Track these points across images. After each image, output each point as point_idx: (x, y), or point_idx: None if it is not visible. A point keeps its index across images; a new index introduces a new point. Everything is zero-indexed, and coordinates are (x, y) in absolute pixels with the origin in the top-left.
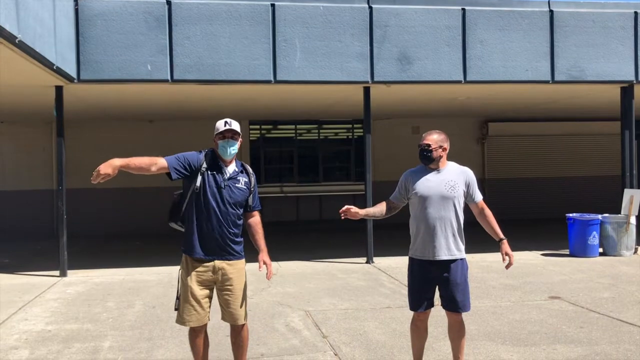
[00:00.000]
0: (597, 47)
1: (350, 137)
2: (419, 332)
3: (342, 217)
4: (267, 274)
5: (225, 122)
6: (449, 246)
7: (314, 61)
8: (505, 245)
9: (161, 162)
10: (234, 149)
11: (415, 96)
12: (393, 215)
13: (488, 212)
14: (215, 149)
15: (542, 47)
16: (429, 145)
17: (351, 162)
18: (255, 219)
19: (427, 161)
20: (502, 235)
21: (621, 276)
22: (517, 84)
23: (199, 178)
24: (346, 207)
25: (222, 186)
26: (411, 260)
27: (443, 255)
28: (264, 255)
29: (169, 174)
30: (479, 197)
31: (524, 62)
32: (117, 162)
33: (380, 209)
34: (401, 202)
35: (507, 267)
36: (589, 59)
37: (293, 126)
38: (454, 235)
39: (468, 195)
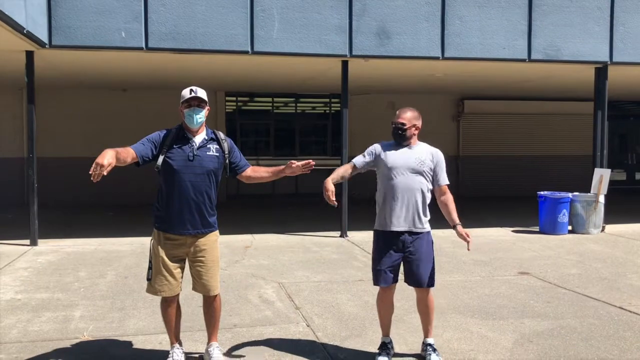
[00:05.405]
0: (574, 27)
1: (327, 111)
2: (384, 306)
3: (334, 204)
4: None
5: (191, 90)
6: (413, 219)
7: (292, 33)
8: (460, 229)
9: (132, 152)
10: (200, 117)
11: (393, 71)
12: (370, 190)
13: (449, 197)
14: (182, 119)
15: (519, 25)
16: (403, 124)
17: (328, 136)
18: (249, 170)
19: (401, 139)
20: (457, 221)
21: (588, 253)
22: (494, 62)
23: (160, 157)
24: (327, 192)
25: (191, 157)
26: (376, 233)
27: (406, 226)
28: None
29: (137, 163)
30: (444, 180)
31: (501, 40)
32: (111, 150)
33: (345, 169)
34: (363, 169)
35: (469, 248)
36: (565, 38)
37: (270, 99)
38: (418, 209)
39: (434, 176)
